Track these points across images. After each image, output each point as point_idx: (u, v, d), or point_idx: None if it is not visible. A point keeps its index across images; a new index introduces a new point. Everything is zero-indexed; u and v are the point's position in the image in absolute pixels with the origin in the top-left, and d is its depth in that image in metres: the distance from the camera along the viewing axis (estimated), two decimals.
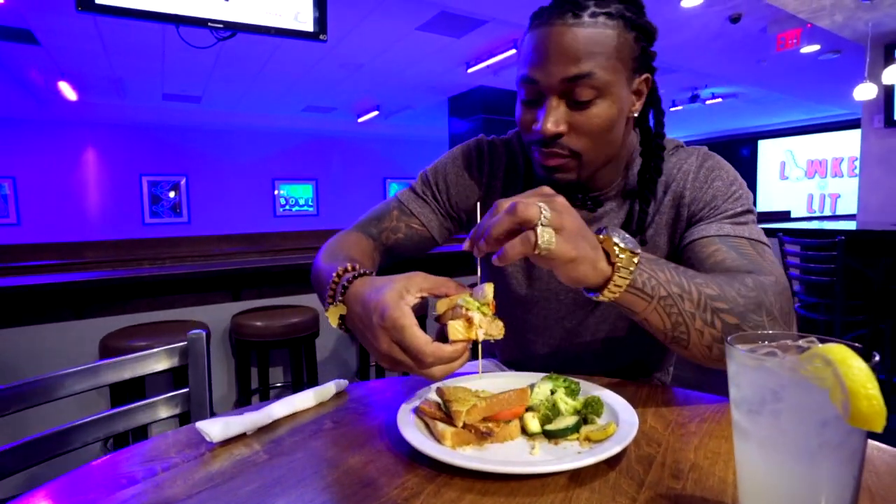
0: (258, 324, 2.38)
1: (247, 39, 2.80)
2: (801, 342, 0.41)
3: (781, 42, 4.85)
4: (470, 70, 6.21)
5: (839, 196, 10.40)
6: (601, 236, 0.62)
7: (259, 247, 3.48)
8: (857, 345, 0.36)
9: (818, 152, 10.76)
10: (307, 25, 2.85)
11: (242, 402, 2.53)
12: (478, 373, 0.70)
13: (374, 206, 1.04)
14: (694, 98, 8.20)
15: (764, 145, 11.63)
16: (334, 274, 0.70)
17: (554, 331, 0.98)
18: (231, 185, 9.98)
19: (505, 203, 0.58)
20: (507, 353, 1.10)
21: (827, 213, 10.51)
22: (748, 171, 11.81)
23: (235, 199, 10.02)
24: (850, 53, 5.35)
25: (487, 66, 6.01)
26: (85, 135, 8.73)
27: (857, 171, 5.51)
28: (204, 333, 0.88)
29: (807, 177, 10.97)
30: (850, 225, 3.87)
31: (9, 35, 4.80)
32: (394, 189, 11.46)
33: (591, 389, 0.66)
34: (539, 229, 0.55)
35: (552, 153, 0.81)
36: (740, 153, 12.02)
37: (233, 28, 2.68)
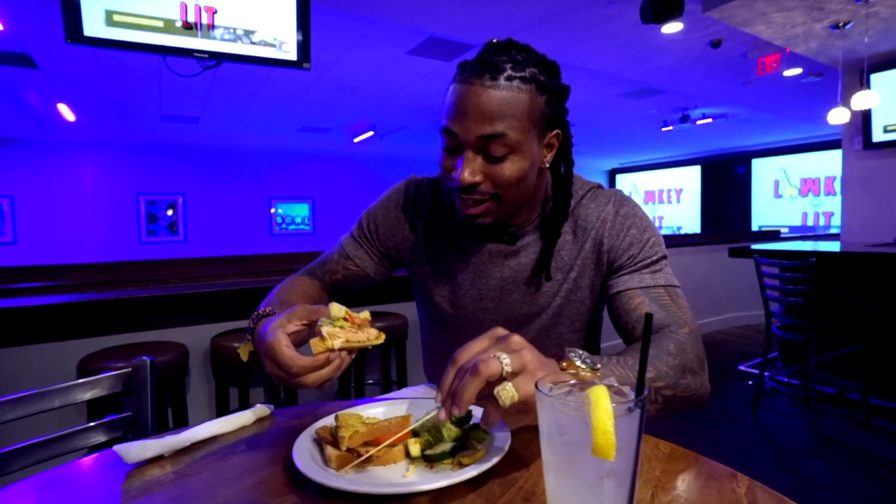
0: (236, 345, 2.43)
1: (240, 64, 2.91)
2: (605, 382, 0.47)
3: (762, 66, 4.96)
4: None
5: (833, 214, 10.47)
6: (563, 363, 0.66)
7: (244, 269, 3.55)
8: (623, 389, 0.42)
9: (811, 170, 10.84)
10: (291, 55, 2.95)
11: None
12: (414, 398, 0.79)
13: None
14: (685, 118, 8.32)
15: (757, 164, 11.73)
16: (251, 318, 0.83)
17: None
18: (228, 204, 10.09)
19: (462, 359, 0.62)
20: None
21: (821, 231, 10.57)
22: (743, 190, 11.91)
23: (232, 217, 10.13)
24: (832, 76, 5.45)
25: None
26: (83, 154, 8.87)
27: None
28: (149, 360, 0.94)
29: (801, 195, 11.04)
30: (835, 245, 3.93)
31: (8, 59, 4.93)
32: None
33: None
34: (497, 390, 0.57)
35: (472, 199, 0.88)
36: (734, 172, 12.12)
37: (218, 58, 2.78)
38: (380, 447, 0.61)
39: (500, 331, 0.65)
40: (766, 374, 3.36)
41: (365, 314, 0.77)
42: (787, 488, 2.42)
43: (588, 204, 0.99)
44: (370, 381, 3.13)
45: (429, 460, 0.63)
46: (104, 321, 2.41)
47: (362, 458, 0.60)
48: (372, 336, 0.74)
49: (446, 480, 0.55)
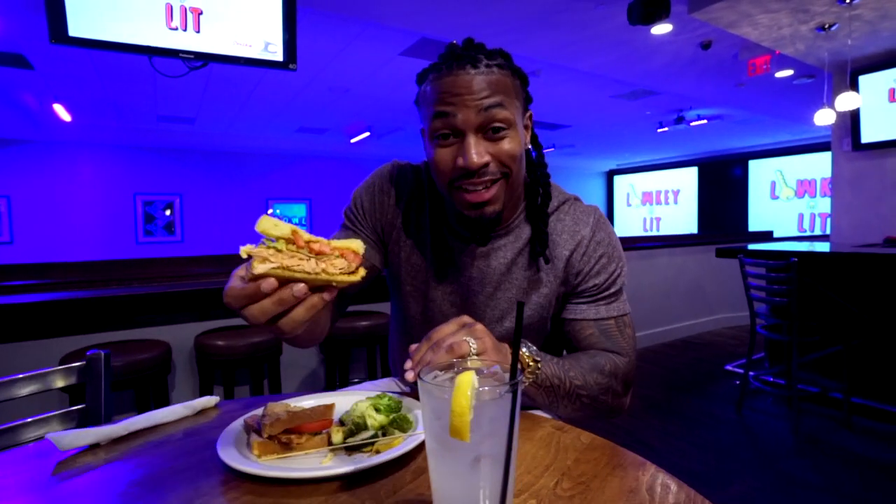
0: (220, 343, 2.45)
1: (232, 65, 2.92)
2: (490, 370, 0.49)
3: (752, 67, 4.97)
4: None
5: (829, 215, 10.45)
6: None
7: (232, 268, 3.57)
8: (507, 377, 0.44)
9: (807, 172, 10.84)
10: (277, 56, 2.97)
11: None
12: (345, 391, 0.80)
13: None
14: (679, 120, 8.32)
15: (754, 165, 11.73)
16: None
17: None
18: (225, 205, 10.12)
19: (436, 337, 0.74)
20: None
21: (818, 232, 10.57)
22: (740, 192, 11.90)
23: (229, 218, 10.16)
24: (823, 78, 5.47)
25: None
26: (79, 154, 8.91)
27: None
28: (103, 354, 0.96)
29: (797, 196, 11.04)
30: (824, 246, 3.94)
31: (3, 60, 4.96)
32: None
33: (414, 407, 0.74)
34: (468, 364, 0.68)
35: (483, 183, 0.88)
36: (731, 173, 12.12)
37: (204, 59, 2.80)
38: (302, 435, 0.64)
39: (467, 318, 0.78)
40: (752, 373, 3.38)
41: (346, 242, 0.61)
42: (769, 487, 2.43)
43: (564, 218, 1.01)
44: (356, 380, 3.14)
45: (349, 448, 0.65)
46: (88, 319, 2.43)
47: (284, 444, 0.62)
48: (334, 268, 0.56)
49: (353, 466, 0.57)
